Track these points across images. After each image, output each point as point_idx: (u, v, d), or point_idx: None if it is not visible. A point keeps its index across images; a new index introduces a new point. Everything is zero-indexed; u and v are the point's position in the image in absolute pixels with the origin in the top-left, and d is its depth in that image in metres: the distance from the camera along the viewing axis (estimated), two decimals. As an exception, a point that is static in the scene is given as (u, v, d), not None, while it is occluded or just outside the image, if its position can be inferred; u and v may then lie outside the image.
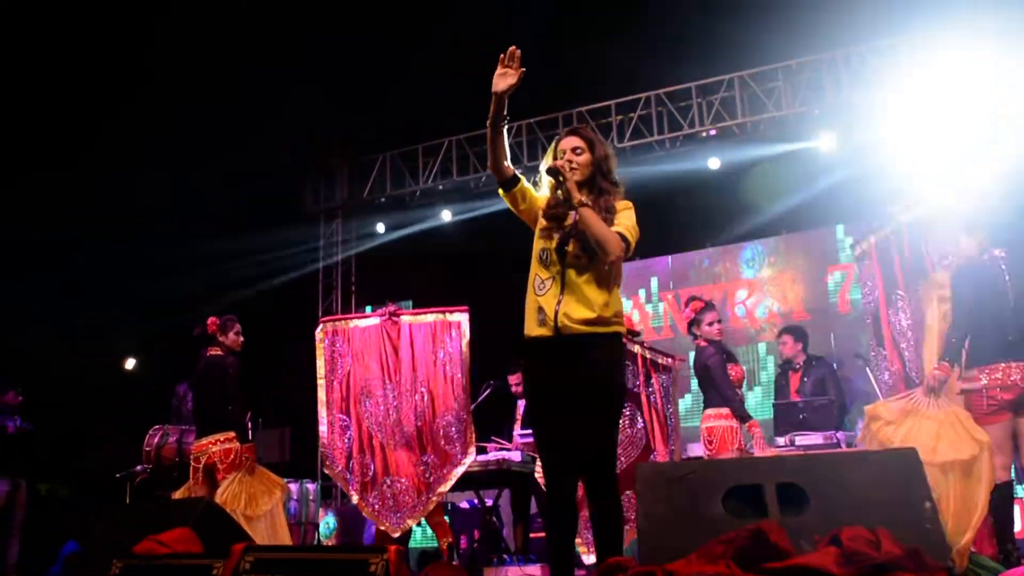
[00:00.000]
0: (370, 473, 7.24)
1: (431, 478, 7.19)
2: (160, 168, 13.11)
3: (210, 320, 7.08)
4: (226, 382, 6.91)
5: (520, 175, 4.13)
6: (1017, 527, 7.53)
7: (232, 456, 6.78)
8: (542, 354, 3.94)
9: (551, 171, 3.99)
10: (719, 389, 6.63)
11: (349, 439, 7.30)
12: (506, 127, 3.99)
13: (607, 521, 3.76)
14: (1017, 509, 6.98)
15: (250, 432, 7.13)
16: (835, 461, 3.32)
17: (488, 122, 3.94)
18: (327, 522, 10.88)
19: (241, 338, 7.16)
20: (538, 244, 4.08)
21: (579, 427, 3.79)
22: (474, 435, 7.28)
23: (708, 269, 11.99)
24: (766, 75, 11.39)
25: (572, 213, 3.97)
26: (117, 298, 13.13)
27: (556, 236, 4.00)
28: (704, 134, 11.66)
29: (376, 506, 7.22)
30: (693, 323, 6.98)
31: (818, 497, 2.82)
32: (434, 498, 7.16)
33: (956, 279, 5.60)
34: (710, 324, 6.91)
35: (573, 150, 4.07)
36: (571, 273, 3.93)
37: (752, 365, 10.85)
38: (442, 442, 7.20)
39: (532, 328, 3.97)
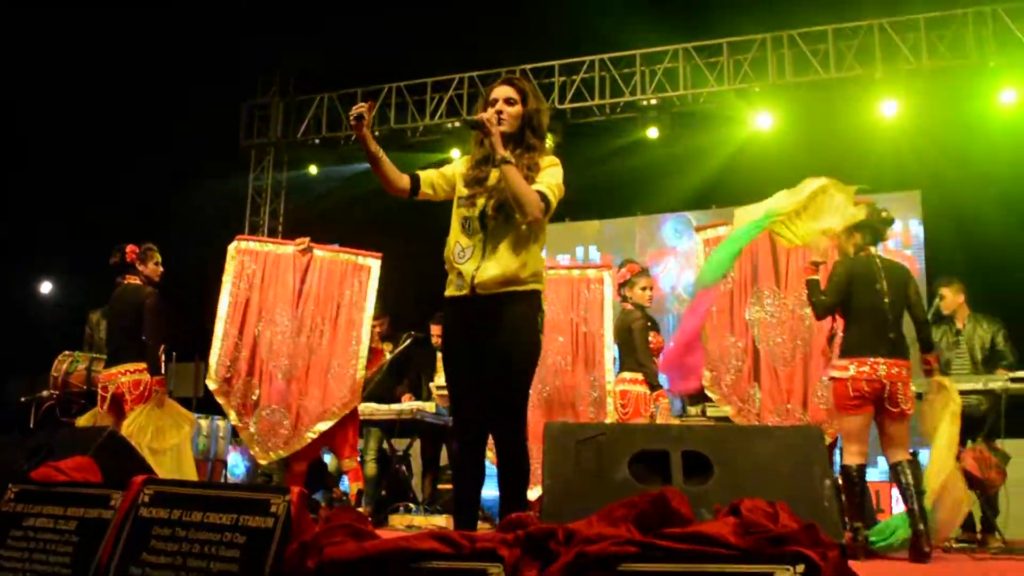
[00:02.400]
0: (253, 397, 7.18)
1: (312, 416, 7.17)
2: (99, 93, 12.75)
3: (129, 248, 6.88)
4: (141, 312, 6.72)
5: (417, 173, 4.03)
6: (899, 509, 7.83)
7: (141, 388, 6.62)
8: (459, 312, 3.90)
9: (475, 124, 3.87)
10: (637, 355, 6.68)
11: (240, 359, 7.19)
12: (383, 156, 3.90)
13: (513, 476, 3.76)
14: (896, 494, 7.24)
15: (163, 365, 6.98)
16: (741, 433, 3.38)
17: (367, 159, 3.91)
18: (236, 460, 10.79)
19: (160, 268, 6.98)
20: (459, 212, 3.97)
21: (492, 383, 3.78)
22: (362, 383, 7.27)
23: (638, 236, 12.07)
24: (710, 49, 11.41)
25: (494, 171, 3.87)
26: (45, 217, 12.84)
27: (479, 203, 3.90)
28: (645, 102, 11.67)
29: (252, 430, 7.17)
30: (626, 285, 6.98)
31: (722, 467, 2.86)
32: (310, 435, 7.14)
33: (834, 272, 5.77)
34: (643, 289, 6.91)
35: (506, 100, 3.94)
36: (492, 235, 3.85)
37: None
38: (331, 383, 7.20)
39: (451, 290, 3.93)
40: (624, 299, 6.99)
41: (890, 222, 6.00)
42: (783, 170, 10.93)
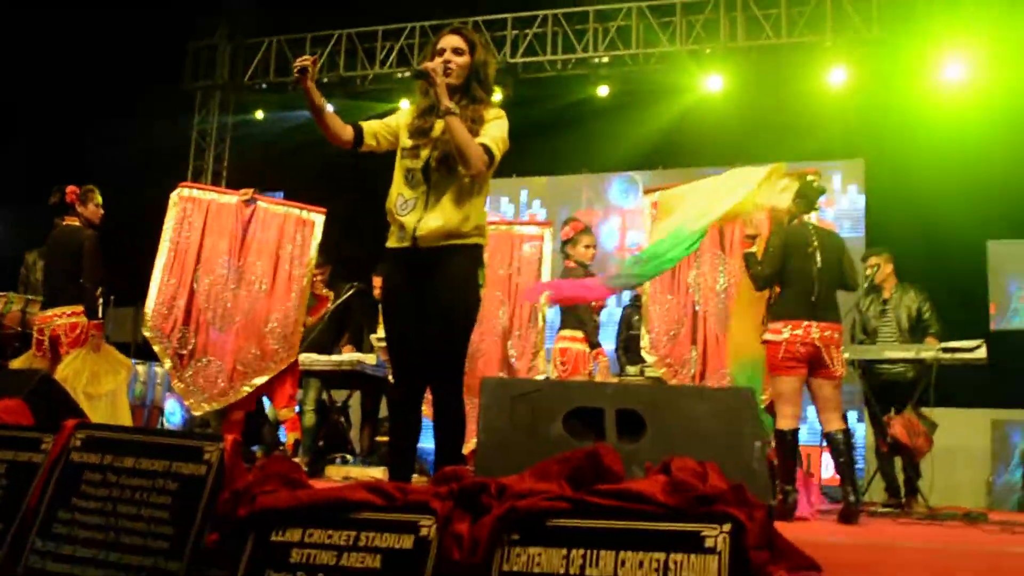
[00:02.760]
0: (188, 347, 7.11)
1: (247, 370, 7.13)
2: (39, 26, 12.41)
3: (69, 188, 6.75)
4: (80, 254, 6.61)
5: (360, 124, 3.97)
6: (828, 474, 8.07)
7: (78, 331, 6.53)
8: (400, 264, 3.88)
9: (420, 74, 3.81)
10: (578, 312, 6.72)
11: (177, 308, 7.11)
12: (327, 108, 3.84)
13: (449, 430, 3.79)
14: (827, 458, 7.45)
15: (100, 309, 6.89)
16: (676, 394, 3.43)
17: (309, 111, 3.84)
18: (173, 407, 10.72)
19: (101, 211, 6.86)
20: (403, 164, 3.93)
21: (431, 336, 3.78)
22: (299, 336, 7.26)
23: (584, 194, 12.09)
24: (663, 9, 11.40)
25: (439, 122, 3.83)
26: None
27: (423, 154, 3.86)
28: (597, 59, 11.64)
29: (188, 381, 7.12)
30: (568, 243, 6.99)
31: (655, 427, 2.89)
32: (246, 388, 7.10)
33: (769, 243, 5.91)
34: (586, 247, 6.93)
35: (454, 50, 3.88)
36: (435, 187, 3.82)
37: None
38: (267, 338, 7.16)
39: (392, 241, 3.91)
40: (567, 257, 7.01)
41: (822, 191, 6.15)
42: (731, 133, 11.09)
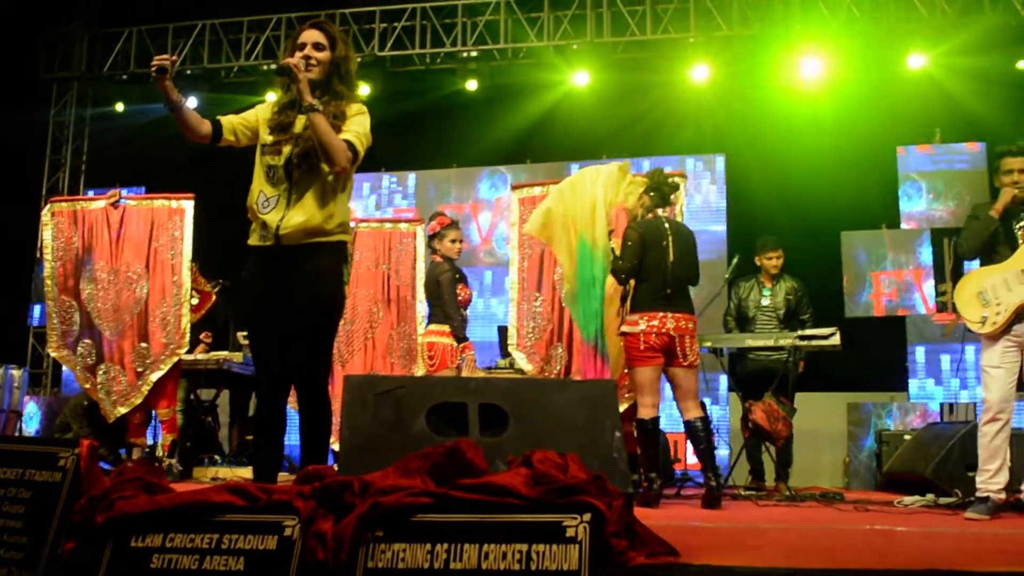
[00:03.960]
0: (92, 357, 7.38)
1: (143, 366, 7.33)
2: None
3: None
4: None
5: (219, 119, 3.89)
6: (691, 459, 8.34)
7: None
8: (262, 262, 3.83)
9: (282, 70, 3.76)
10: (445, 306, 6.73)
11: (75, 322, 7.38)
12: (184, 104, 3.73)
13: (313, 430, 3.77)
14: (688, 445, 7.71)
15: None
16: (539, 386, 3.48)
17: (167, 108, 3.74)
18: (32, 411, 10.35)
19: None
20: (264, 160, 3.86)
21: (295, 334, 3.76)
22: (186, 327, 7.39)
23: (453, 189, 12.11)
24: (532, 4, 11.50)
25: (300, 118, 3.80)
26: None
27: (285, 151, 3.81)
28: (465, 54, 11.67)
29: (97, 390, 7.39)
30: (435, 237, 7.00)
31: (517, 420, 2.94)
32: (145, 387, 7.28)
33: (627, 237, 6.08)
34: (452, 241, 6.94)
35: (314, 45, 3.84)
36: (297, 185, 3.77)
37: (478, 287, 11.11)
38: (157, 331, 7.34)
39: (254, 239, 3.85)
40: (433, 251, 7.03)
41: (676, 187, 6.33)
42: (598, 128, 11.28)
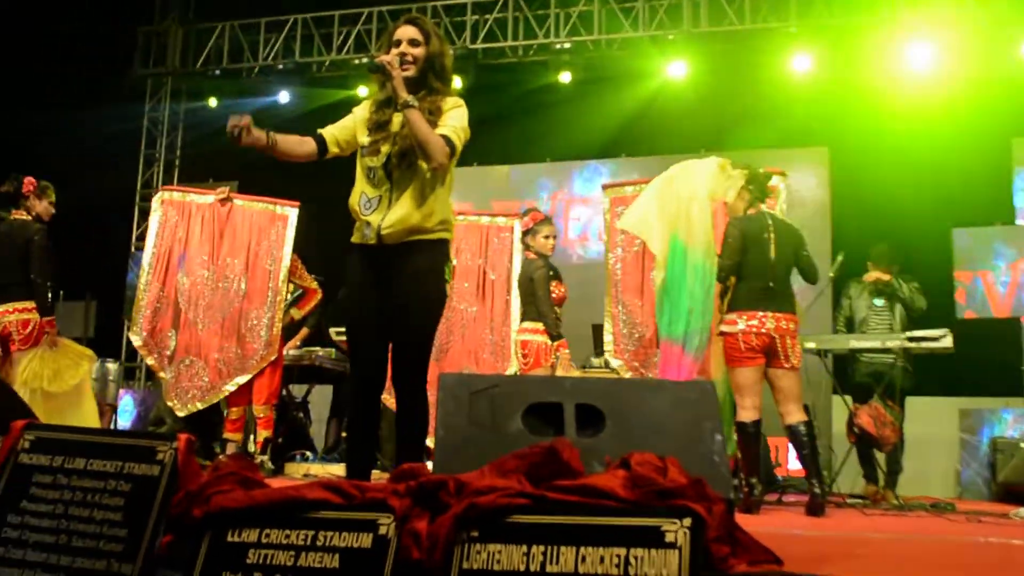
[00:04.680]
0: (170, 347, 7.43)
1: (229, 368, 7.38)
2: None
3: (27, 179, 6.65)
4: (30, 249, 6.56)
5: (321, 133, 3.96)
6: (793, 465, 8.19)
7: (30, 328, 6.47)
8: (364, 259, 3.89)
9: (375, 67, 3.80)
10: (539, 304, 6.74)
11: (161, 310, 7.44)
12: (275, 138, 3.78)
13: (409, 427, 3.81)
14: (791, 450, 7.56)
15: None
16: (635, 387, 3.46)
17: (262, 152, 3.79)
18: (128, 404, 10.65)
19: (53, 210, 6.79)
20: (364, 162, 3.91)
21: (395, 332, 3.82)
22: (280, 331, 7.44)
23: (546, 183, 12.10)
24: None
25: (397, 116, 3.82)
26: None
27: (383, 150, 3.84)
28: (558, 45, 11.67)
29: (171, 381, 7.42)
30: (528, 233, 7.02)
31: (615, 421, 2.93)
32: (227, 388, 7.35)
33: (727, 233, 5.98)
34: (546, 237, 6.95)
35: (409, 41, 3.86)
36: (397, 184, 3.81)
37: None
38: (247, 336, 7.39)
39: (357, 237, 3.92)
40: (527, 248, 7.04)
41: (769, 178, 6.22)
42: (695, 120, 11.16)
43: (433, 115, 3.79)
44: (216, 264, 7.47)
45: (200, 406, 7.38)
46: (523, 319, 6.98)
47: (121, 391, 10.49)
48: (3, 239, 6.70)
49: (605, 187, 7.52)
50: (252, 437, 7.71)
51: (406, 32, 3.90)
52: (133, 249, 12.77)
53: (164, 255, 7.53)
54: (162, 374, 7.47)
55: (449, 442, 2.90)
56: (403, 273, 3.81)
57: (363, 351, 3.93)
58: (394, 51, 3.86)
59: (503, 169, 12.27)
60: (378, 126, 3.91)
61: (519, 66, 11.99)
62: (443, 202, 3.90)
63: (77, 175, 10.54)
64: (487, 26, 11.82)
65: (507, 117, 11.73)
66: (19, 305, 6.53)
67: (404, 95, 3.71)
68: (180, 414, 7.46)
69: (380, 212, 3.82)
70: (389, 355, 3.92)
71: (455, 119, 3.84)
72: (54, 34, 12.08)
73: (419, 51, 3.87)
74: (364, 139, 3.93)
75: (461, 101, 3.94)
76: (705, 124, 11.21)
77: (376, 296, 3.86)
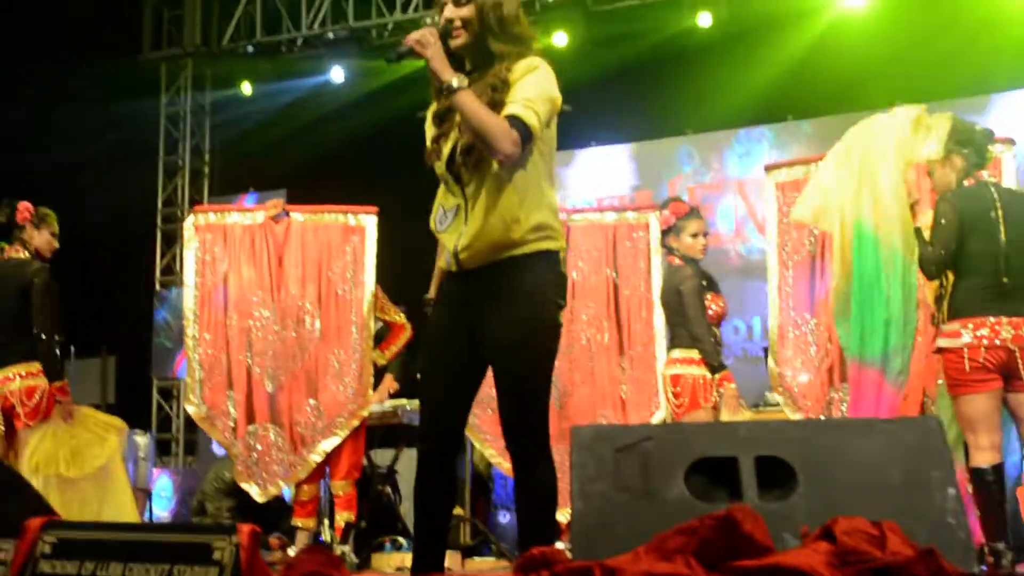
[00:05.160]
0: (232, 415, 7.34)
1: (311, 432, 7.29)
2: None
3: (23, 205, 6.70)
4: (28, 295, 6.65)
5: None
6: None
7: (37, 397, 6.50)
8: (446, 290, 3.94)
9: (401, 55, 3.78)
10: (691, 325, 6.62)
11: (219, 368, 7.34)
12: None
13: (531, 500, 3.75)
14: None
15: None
16: (835, 430, 3.41)
17: None
18: (164, 486, 10.83)
19: (55, 243, 6.83)
20: (436, 169, 3.92)
21: (496, 381, 3.83)
22: (372, 377, 7.38)
23: (688, 164, 12.06)
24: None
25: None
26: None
27: (445, 150, 3.84)
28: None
29: (242, 458, 7.34)
30: (670, 232, 6.91)
31: (809, 476, 2.90)
32: (314, 457, 7.26)
33: (938, 212, 5.77)
34: (694, 236, 6.80)
35: (455, 1, 3.76)
36: (470, 189, 3.78)
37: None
38: (331, 385, 7.31)
39: (441, 262, 3.97)
40: (669, 251, 6.94)
41: (990, 135, 5.97)
42: (880, 64, 10.98)
43: (497, 91, 3.71)
44: (278, 300, 7.36)
45: (283, 485, 7.36)
46: (671, 346, 6.91)
47: (155, 471, 10.68)
48: (-2, 284, 6.81)
49: (768, 168, 7.36)
50: (328, 522, 7.73)
51: None
52: (158, 286, 13.01)
53: (207, 297, 7.40)
54: (233, 451, 7.38)
55: (590, 516, 2.92)
56: (492, 302, 3.77)
57: (428, 415, 3.95)
58: (428, 23, 3.81)
59: (629, 149, 12.25)
60: (439, 118, 3.90)
61: (643, 10, 11.92)
62: (535, 200, 3.81)
63: (78, 195, 10.78)
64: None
65: (630, 79, 11.70)
66: (21, 369, 6.56)
67: (447, 75, 3.66)
68: (260, 500, 7.40)
69: (456, 228, 3.81)
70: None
71: (529, 87, 3.73)
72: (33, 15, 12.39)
73: (466, 11, 3.76)
74: (429, 143, 3.95)
75: (539, 62, 3.81)
76: (895, 69, 11.01)
77: (454, 341, 3.86)
